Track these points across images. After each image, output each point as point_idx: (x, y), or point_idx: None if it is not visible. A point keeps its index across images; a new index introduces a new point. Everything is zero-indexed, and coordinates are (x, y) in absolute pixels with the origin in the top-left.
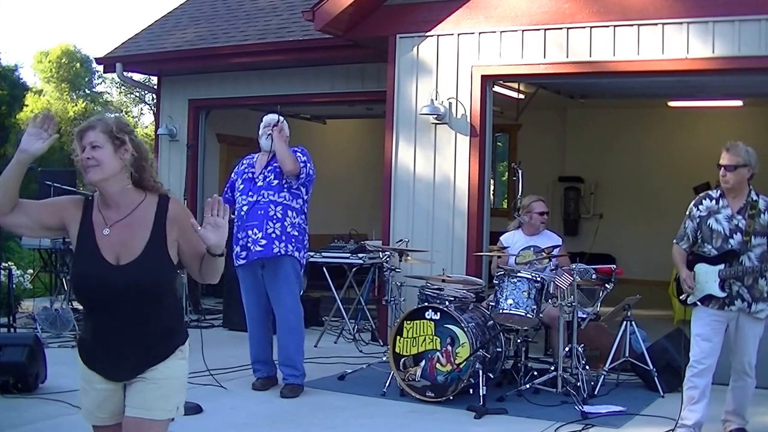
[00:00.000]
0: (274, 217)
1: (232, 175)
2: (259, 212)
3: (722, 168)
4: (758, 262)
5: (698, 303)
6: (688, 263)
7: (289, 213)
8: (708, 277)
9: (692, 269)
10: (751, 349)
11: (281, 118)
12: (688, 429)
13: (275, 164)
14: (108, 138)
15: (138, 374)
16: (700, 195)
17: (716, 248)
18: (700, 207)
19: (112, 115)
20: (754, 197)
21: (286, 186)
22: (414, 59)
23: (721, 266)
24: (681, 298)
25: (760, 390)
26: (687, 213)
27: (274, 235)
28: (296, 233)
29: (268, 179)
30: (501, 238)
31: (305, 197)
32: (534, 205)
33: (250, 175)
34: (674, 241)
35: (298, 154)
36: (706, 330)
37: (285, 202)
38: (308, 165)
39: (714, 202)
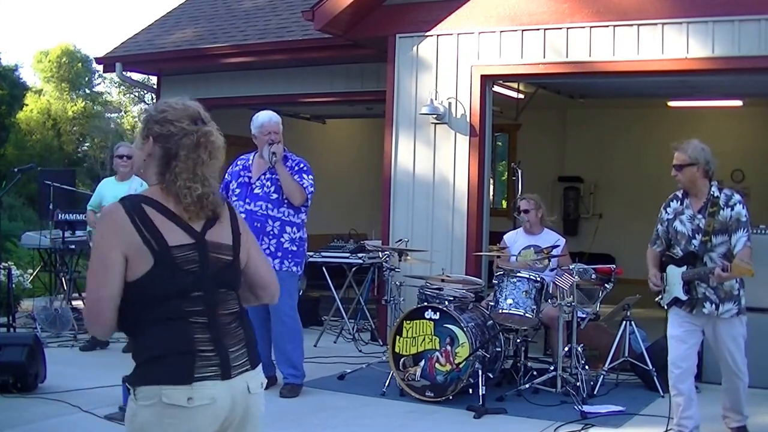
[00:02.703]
0: (271, 233)
1: (226, 176)
2: (255, 224)
3: (673, 168)
4: (720, 262)
5: (668, 306)
6: (661, 265)
7: (288, 229)
8: (674, 280)
9: (664, 271)
10: (733, 351)
11: (278, 145)
12: None
13: (276, 176)
14: (140, 130)
15: None
16: (669, 197)
17: (682, 250)
18: (668, 209)
19: (161, 103)
20: (716, 193)
21: (286, 201)
22: (413, 59)
23: (684, 268)
24: (656, 300)
25: (761, 390)
26: (658, 216)
27: (269, 252)
28: (294, 248)
29: (267, 190)
30: (504, 237)
31: (306, 210)
32: (519, 203)
33: (247, 179)
34: (648, 244)
35: (304, 176)
36: (679, 331)
37: (284, 218)
38: (312, 188)
39: (679, 203)
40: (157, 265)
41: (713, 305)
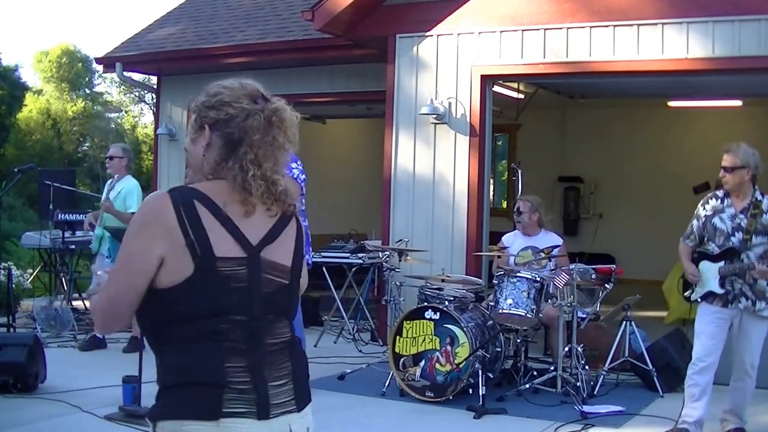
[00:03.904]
0: None
1: None
2: None
3: (722, 169)
4: (756, 260)
5: (701, 300)
6: (693, 260)
7: None
8: (709, 274)
9: (697, 267)
10: (754, 349)
11: None
12: (689, 426)
13: None
14: (191, 123)
15: None
16: (708, 195)
17: (719, 246)
18: (706, 207)
19: (212, 86)
20: (759, 197)
21: None
22: (414, 59)
23: (721, 263)
24: (686, 294)
25: (760, 390)
26: (695, 212)
27: None
28: None
29: None
30: (503, 238)
31: (301, 199)
32: (517, 204)
33: None
34: (681, 238)
35: (292, 165)
36: (710, 327)
37: None
38: (303, 175)
39: (719, 201)
40: (196, 275)
41: (749, 300)
